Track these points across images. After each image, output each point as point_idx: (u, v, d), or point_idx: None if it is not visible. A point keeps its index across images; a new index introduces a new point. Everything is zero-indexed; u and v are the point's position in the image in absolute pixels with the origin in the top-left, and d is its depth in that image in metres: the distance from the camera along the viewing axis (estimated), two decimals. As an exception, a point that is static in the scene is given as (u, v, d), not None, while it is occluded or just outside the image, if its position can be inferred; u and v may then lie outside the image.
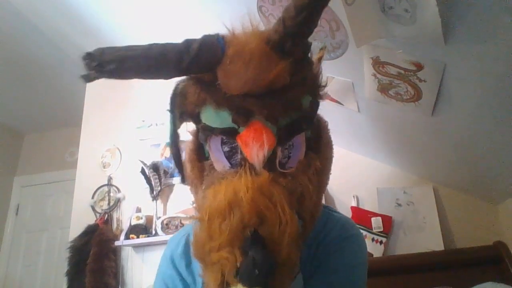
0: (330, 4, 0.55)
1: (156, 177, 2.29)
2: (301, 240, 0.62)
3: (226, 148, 0.65)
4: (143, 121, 2.56)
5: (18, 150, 3.93)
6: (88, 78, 0.60)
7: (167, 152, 2.45)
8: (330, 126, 0.77)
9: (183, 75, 0.65)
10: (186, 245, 0.81)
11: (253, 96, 0.59)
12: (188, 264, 0.79)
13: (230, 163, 0.65)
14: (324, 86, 0.70)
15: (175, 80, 0.67)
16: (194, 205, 0.66)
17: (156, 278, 0.83)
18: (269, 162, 0.60)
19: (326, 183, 0.73)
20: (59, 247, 3.30)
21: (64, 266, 2.27)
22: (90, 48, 0.58)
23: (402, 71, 1.14)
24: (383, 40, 1.04)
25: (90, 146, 2.67)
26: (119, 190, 2.48)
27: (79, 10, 2.14)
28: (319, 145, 0.71)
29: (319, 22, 0.61)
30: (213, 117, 0.63)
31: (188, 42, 0.60)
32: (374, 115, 1.63)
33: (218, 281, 0.53)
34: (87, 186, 2.53)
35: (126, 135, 2.60)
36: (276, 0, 1.18)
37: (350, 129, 1.92)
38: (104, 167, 2.57)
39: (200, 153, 0.71)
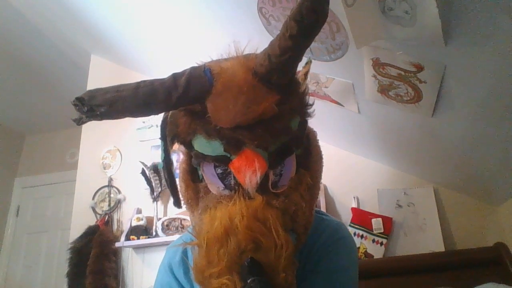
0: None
1: (157, 178, 2.29)
2: (295, 254, 0.63)
3: (219, 171, 0.66)
4: (144, 122, 2.56)
5: (19, 151, 3.93)
6: (80, 122, 0.62)
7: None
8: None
9: (173, 110, 0.67)
10: (184, 253, 0.82)
11: (243, 127, 0.61)
12: (186, 272, 0.80)
13: (224, 184, 0.66)
14: (311, 105, 0.71)
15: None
16: (192, 228, 0.67)
17: (155, 286, 0.84)
18: (262, 185, 0.62)
19: (318, 194, 0.74)
20: (60, 248, 3.30)
21: (64, 267, 2.27)
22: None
23: (402, 72, 1.15)
24: (383, 41, 1.05)
25: (91, 147, 2.67)
26: (119, 191, 2.48)
27: (80, 12, 2.14)
28: (309, 161, 0.72)
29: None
30: (205, 145, 0.64)
31: (175, 77, 0.62)
32: (375, 116, 1.63)
33: None
34: (87, 187, 2.53)
35: (127, 137, 2.60)
36: (276, 1, 1.18)
37: (351, 130, 1.92)
38: (104, 168, 2.57)
39: (194, 174, 0.72)
